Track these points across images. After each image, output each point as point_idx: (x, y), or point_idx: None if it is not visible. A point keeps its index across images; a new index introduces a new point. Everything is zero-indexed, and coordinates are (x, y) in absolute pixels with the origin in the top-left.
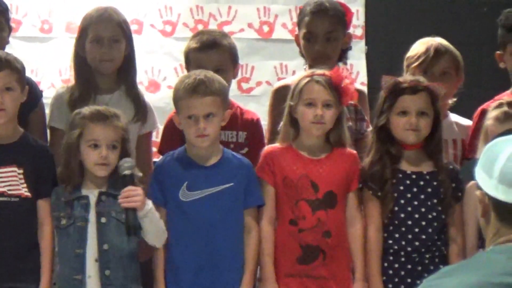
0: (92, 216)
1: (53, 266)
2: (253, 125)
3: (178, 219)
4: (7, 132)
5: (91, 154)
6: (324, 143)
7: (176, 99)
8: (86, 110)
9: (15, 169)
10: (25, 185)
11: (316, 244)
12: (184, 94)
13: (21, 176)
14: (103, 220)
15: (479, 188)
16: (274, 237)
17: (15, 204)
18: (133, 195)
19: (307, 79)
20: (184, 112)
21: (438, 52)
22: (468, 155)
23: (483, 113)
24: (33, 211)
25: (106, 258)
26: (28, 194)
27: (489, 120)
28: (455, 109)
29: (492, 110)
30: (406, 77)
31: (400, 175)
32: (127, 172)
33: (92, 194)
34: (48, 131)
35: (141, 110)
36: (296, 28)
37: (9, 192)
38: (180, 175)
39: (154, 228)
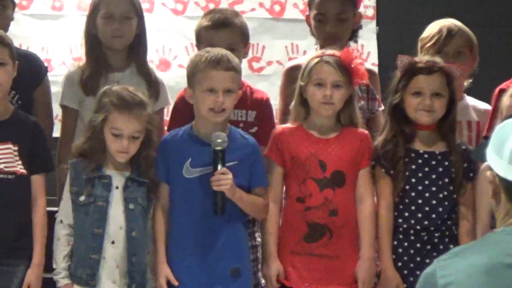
0: (114, 197)
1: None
2: (262, 104)
3: (181, 196)
4: (0, 108)
5: (113, 142)
6: (335, 123)
7: (194, 72)
8: (113, 94)
9: (10, 146)
10: (20, 162)
11: (322, 223)
12: (206, 66)
13: (16, 153)
14: (131, 206)
15: (490, 169)
16: (280, 215)
17: (10, 181)
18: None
19: (317, 59)
20: (202, 85)
21: (451, 31)
22: (487, 135)
23: (502, 92)
24: (28, 188)
25: (134, 245)
26: (24, 171)
27: (504, 99)
28: (468, 89)
29: (509, 89)
30: (423, 57)
31: (413, 154)
32: (219, 147)
33: (114, 175)
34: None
35: (153, 87)
36: (307, 8)
37: (5, 170)
38: (184, 152)
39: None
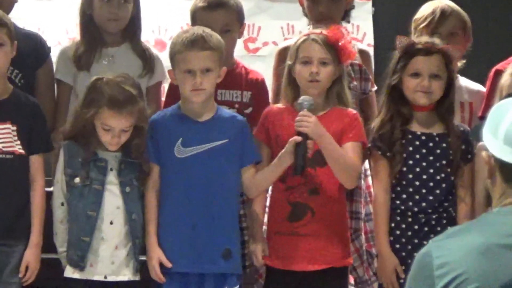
0: (110, 180)
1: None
2: (257, 84)
3: (173, 176)
4: None
5: (104, 134)
6: (324, 103)
7: (173, 53)
8: (105, 91)
9: (9, 125)
10: (18, 142)
11: (303, 202)
12: (182, 48)
13: (15, 133)
14: (127, 189)
15: (485, 149)
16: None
17: (9, 161)
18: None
19: (304, 38)
20: (181, 66)
21: (445, 12)
22: (483, 115)
23: (497, 73)
24: (26, 168)
25: (135, 227)
26: (22, 151)
27: (503, 78)
28: (461, 70)
29: (508, 68)
30: (421, 38)
31: (410, 136)
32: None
33: (109, 157)
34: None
35: (148, 63)
36: None
37: (4, 150)
38: (174, 132)
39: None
